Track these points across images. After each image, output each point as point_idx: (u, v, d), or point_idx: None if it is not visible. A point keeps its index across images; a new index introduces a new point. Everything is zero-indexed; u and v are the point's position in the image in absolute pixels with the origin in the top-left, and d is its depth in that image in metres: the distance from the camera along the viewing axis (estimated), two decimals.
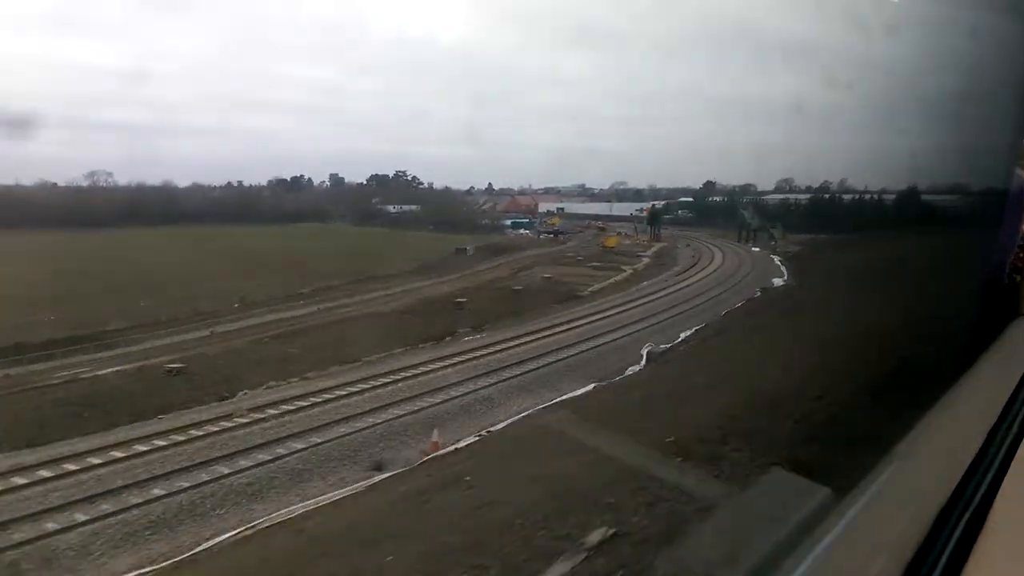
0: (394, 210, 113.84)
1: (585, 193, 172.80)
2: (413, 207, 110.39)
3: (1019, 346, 4.74)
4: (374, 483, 14.54)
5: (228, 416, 18.86)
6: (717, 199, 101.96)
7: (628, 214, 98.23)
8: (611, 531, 7.53)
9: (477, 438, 16.55)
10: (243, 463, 16.10)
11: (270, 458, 16.41)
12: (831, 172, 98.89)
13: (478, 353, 25.18)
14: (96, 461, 16.03)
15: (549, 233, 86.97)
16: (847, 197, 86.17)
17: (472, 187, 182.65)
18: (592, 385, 19.18)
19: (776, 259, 56.81)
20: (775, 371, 15.25)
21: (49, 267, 45.47)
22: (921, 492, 2.16)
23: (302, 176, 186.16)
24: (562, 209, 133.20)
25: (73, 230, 71.57)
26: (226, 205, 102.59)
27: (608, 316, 33.17)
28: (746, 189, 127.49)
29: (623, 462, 9.94)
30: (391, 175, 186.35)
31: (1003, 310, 5.93)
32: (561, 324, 31.41)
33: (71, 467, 15.70)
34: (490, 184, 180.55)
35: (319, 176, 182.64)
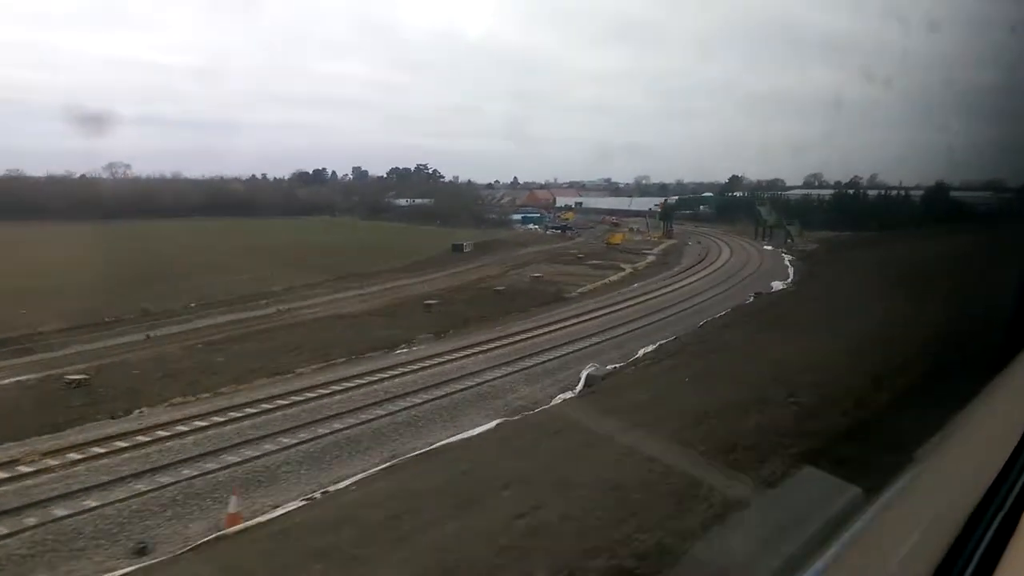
0: (405, 203, 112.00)
1: (610, 187, 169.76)
2: (422, 201, 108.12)
3: None
4: None
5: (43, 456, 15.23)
6: (738, 194, 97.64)
7: (647, 209, 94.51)
8: None
9: (304, 502, 12.95)
10: None
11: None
12: (863, 167, 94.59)
13: (414, 367, 22.68)
14: None
15: (557, 229, 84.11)
16: (872, 193, 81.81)
17: (497, 180, 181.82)
18: (496, 422, 16.32)
19: (787, 258, 53.22)
20: (714, 411, 12.51)
21: (28, 260, 44.80)
22: (952, 493, 2.09)
23: (324, 169, 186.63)
24: (580, 204, 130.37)
25: (73, 222, 71.29)
26: (236, 198, 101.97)
27: (583, 322, 30.45)
28: (773, 184, 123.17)
29: None
30: (412, 168, 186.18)
31: None
32: (528, 331, 28.79)
33: None
34: (515, 178, 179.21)
35: (344, 169, 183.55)
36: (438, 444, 15.32)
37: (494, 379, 20.76)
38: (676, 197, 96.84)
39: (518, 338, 27.35)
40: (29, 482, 13.94)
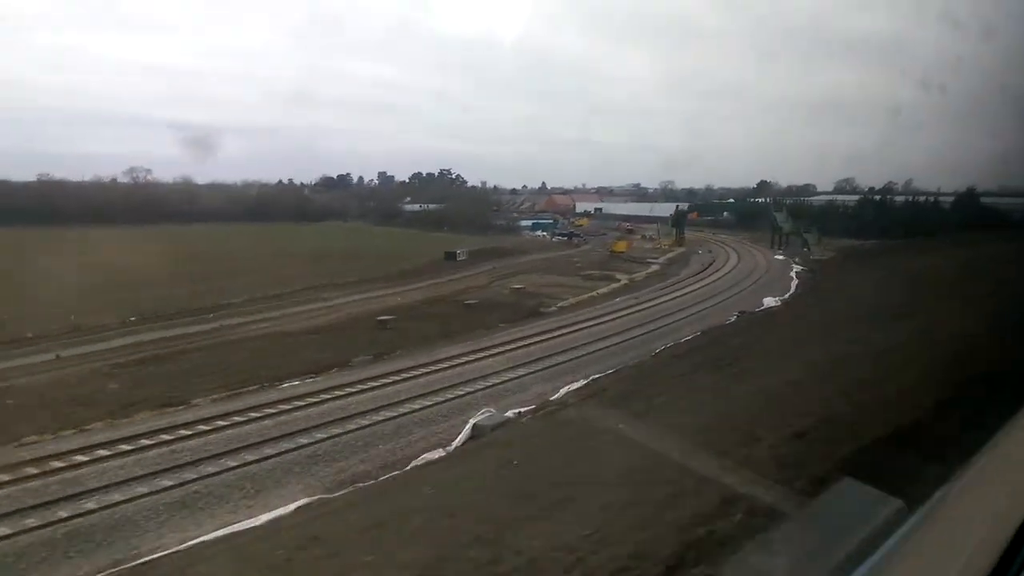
0: (419, 208, 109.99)
1: (638, 192, 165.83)
2: (431, 206, 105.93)
3: None
4: None
5: None
6: (760, 200, 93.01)
7: (667, 216, 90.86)
8: None
9: None
10: None
11: None
12: (899, 173, 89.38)
13: (314, 400, 19.82)
14: None
15: (563, 235, 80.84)
16: (899, 199, 76.66)
17: (525, 185, 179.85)
18: (302, 502, 13.37)
19: (796, 269, 49.11)
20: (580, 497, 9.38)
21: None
22: (997, 508, 1.97)
23: (348, 175, 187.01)
24: (599, 209, 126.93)
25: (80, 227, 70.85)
26: (247, 203, 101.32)
27: (538, 343, 27.38)
28: (804, 189, 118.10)
29: None
30: (436, 173, 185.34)
31: None
32: (473, 352, 25.88)
33: None
34: (544, 183, 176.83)
35: (370, 174, 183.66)
36: (167, 551, 11.58)
37: (372, 424, 17.59)
38: (688, 204, 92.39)
39: (457, 362, 24.45)
40: None
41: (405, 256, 59.87)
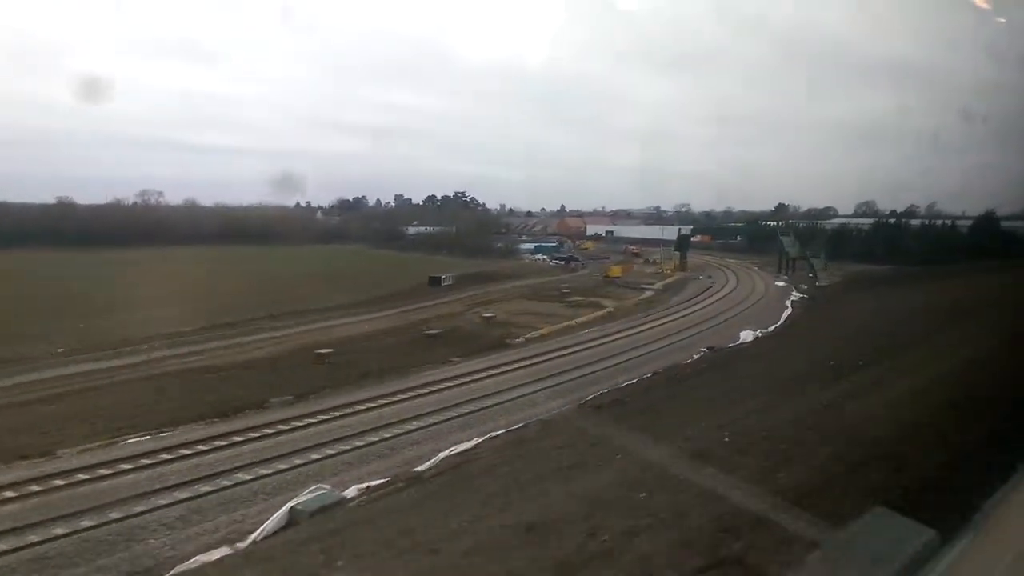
0: (425, 231, 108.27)
1: (657, 215, 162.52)
2: (432, 229, 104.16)
3: None
4: None
5: None
6: (771, 224, 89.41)
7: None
8: None
9: None
10: None
11: None
12: (921, 196, 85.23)
13: (186, 453, 17.35)
14: None
15: (561, 260, 78.03)
16: (915, 223, 72.67)
17: (543, 208, 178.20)
18: None
19: (794, 297, 45.71)
20: None
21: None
22: None
23: (363, 197, 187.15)
24: (611, 232, 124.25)
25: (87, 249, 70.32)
26: (250, 226, 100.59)
27: (477, 381, 24.75)
28: (824, 212, 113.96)
29: None
30: (452, 195, 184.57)
31: None
32: (401, 394, 23.31)
33: None
34: (562, 206, 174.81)
35: (387, 196, 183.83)
36: None
37: (174, 503, 14.30)
38: (691, 227, 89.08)
39: (370, 406, 21.85)
40: None
41: (391, 280, 57.74)
